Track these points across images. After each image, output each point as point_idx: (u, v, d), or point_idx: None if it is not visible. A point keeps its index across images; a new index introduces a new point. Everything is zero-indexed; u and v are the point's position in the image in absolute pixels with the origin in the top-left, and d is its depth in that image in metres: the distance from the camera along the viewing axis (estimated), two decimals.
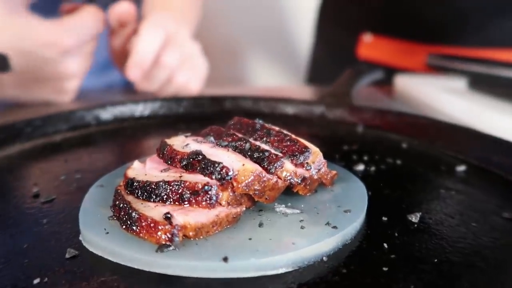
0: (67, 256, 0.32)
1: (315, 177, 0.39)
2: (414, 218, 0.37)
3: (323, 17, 1.29)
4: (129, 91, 1.01)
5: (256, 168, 0.35)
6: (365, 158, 0.54)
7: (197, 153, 0.35)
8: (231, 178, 0.33)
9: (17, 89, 0.81)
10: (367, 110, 0.67)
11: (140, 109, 0.70)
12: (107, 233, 0.33)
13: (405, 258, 0.32)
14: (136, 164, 0.40)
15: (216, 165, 0.34)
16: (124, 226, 0.33)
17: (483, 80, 0.88)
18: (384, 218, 0.38)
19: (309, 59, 1.37)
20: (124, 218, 0.33)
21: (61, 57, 0.78)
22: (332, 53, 1.25)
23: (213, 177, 0.34)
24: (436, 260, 0.32)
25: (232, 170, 0.34)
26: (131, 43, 0.85)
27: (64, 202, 0.41)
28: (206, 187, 0.33)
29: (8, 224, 0.37)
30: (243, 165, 0.34)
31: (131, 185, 0.36)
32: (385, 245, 0.33)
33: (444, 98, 0.84)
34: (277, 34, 1.66)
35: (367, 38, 1.14)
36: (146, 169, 0.39)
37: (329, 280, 0.29)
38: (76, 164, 0.52)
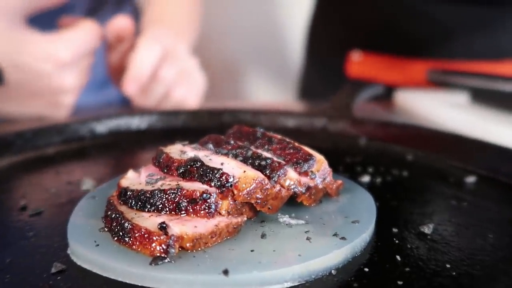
0: (53, 270, 0.29)
1: (320, 186, 0.37)
2: (427, 229, 0.35)
3: (312, 36, 1.30)
4: (126, 108, 1.00)
5: (258, 175, 0.32)
6: (370, 170, 0.52)
7: (195, 159, 0.33)
8: (231, 186, 0.31)
9: (12, 103, 0.79)
10: (370, 122, 0.65)
11: (136, 122, 0.68)
12: (97, 245, 0.30)
13: (420, 271, 0.29)
14: (130, 173, 0.38)
15: (215, 171, 0.32)
16: (116, 238, 0.30)
17: (485, 94, 0.87)
18: (395, 230, 0.35)
19: (300, 77, 1.37)
20: (116, 229, 0.31)
21: (57, 71, 0.76)
22: (321, 72, 1.26)
23: (212, 184, 0.31)
24: (454, 273, 0.29)
25: (233, 177, 0.32)
26: (128, 58, 0.84)
27: (53, 214, 0.39)
28: (204, 195, 0.31)
29: None
30: (244, 172, 0.32)
31: (124, 194, 0.34)
32: (398, 257, 0.31)
33: (447, 112, 0.83)
34: (273, 52, 1.67)
35: (356, 56, 1.14)
36: (141, 178, 0.36)
37: None
38: (68, 177, 0.50)
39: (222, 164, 0.33)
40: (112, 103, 1.12)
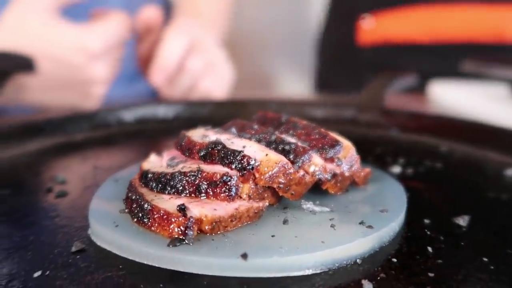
0: (73, 249, 0.29)
1: (347, 174, 0.36)
2: (462, 221, 0.33)
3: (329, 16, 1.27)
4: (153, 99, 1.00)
5: (281, 158, 0.31)
6: (401, 160, 0.50)
7: (216, 142, 0.32)
8: (252, 168, 0.30)
9: (44, 93, 0.81)
10: (401, 113, 0.62)
11: (163, 111, 0.68)
12: (117, 226, 0.30)
13: (455, 264, 0.27)
14: (153, 157, 0.38)
15: (236, 154, 0.31)
16: (135, 219, 0.30)
17: None
18: (426, 221, 0.33)
19: (315, 65, 1.33)
20: (136, 211, 0.30)
21: (88, 62, 0.78)
22: (335, 54, 1.22)
23: (233, 167, 0.30)
24: (492, 268, 0.27)
25: (255, 160, 0.30)
26: (156, 49, 0.84)
27: (77, 197, 0.39)
28: (225, 178, 0.30)
29: (17, 217, 0.35)
30: (267, 155, 0.31)
31: (145, 176, 0.33)
32: (430, 249, 0.29)
33: (484, 105, 0.79)
34: (300, 41, 1.63)
35: (367, 21, 1.09)
36: (163, 161, 0.36)
37: (363, 285, 0.25)
38: (94, 162, 0.50)
39: (244, 147, 0.32)
40: (141, 97, 1.14)
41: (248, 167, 0.30)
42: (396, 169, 0.46)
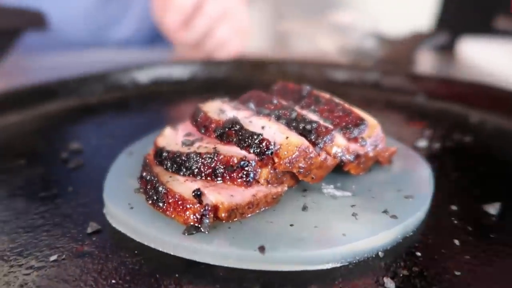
0: (88, 230, 0.29)
1: (371, 154, 0.34)
2: (493, 209, 0.31)
3: None
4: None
5: (302, 142, 0.29)
6: (427, 132, 0.47)
7: (234, 121, 0.30)
8: (272, 153, 0.28)
9: None
10: (429, 78, 0.59)
11: (178, 72, 0.66)
12: (132, 208, 0.29)
13: (485, 260, 0.26)
14: (168, 131, 0.36)
15: (255, 137, 0.29)
16: (150, 202, 0.29)
17: None
18: (454, 207, 0.31)
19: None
20: (151, 193, 0.29)
21: None
22: None
23: (251, 150, 0.29)
24: None
25: (274, 144, 0.29)
26: None
27: (92, 169, 0.39)
28: (242, 162, 0.28)
29: (33, 191, 0.35)
30: (287, 138, 0.29)
31: (160, 155, 0.32)
32: (456, 242, 0.27)
33: None
34: None
35: None
36: (178, 137, 0.34)
37: (384, 283, 0.24)
38: (109, 129, 0.49)
39: (263, 128, 0.30)
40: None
41: (267, 152, 0.28)
42: (422, 143, 0.44)
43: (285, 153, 0.29)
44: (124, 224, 0.29)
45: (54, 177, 0.37)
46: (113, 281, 0.24)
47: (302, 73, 0.66)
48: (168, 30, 0.79)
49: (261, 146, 0.29)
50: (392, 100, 0.59)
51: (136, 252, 0.27)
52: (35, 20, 0.70)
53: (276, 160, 0.29)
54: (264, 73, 0.68)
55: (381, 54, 0.76)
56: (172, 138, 0.35)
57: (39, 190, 0.35)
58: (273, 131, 0.30)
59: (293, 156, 0.29)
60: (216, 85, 0.65)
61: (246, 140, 0.29)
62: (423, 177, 0.34)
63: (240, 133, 0.30)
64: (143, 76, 0.64)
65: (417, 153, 0.39)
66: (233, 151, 0.30)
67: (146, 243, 0.27)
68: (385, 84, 0.62)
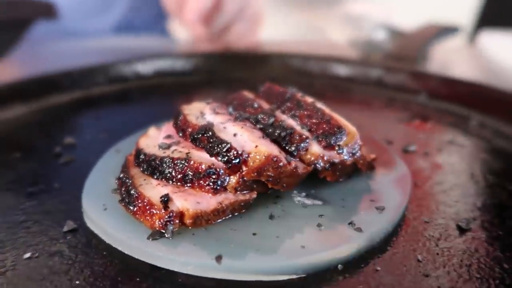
0: (65, 229, 0.30)
1: (348, 162, 0.33)
2: (466, 224, 0.30)
3: None
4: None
5: (271, 151, 0.29)
6: (421, 136, 0.46)
7: (206, 128, 0.31)
8: (239, 162, 0.29)
9: None
10: (433, 77, 0.57)
11: (181, 64, 0.67)
12: (105, 209, 0.30)
13: (445, 278, 0.26)
14: (152, 131, 0.37)
15: (224, 145, 0.29)
16: (122, 204, 0.30)
17: None
18: (426, 219, 0.31)
19: None
20: (124, 195, 0.30)
21: None
22: None
23: (219, 158, 0.29)
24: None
25: (243, 152, 0.29)
26: None
27: (82, 165, 0.40)
28: (209, 170, 0.29)
29: (23, 185, 0.36)
30: (256, 146, 0.29)
31: (138, 156, 0.33)
32: (419, 257, 0.27)
33: None
34: None
35: None
36: (159, 139, 0.35)
37: None
38: (106, 122, 0.51)
39: (235, 135, 0.31)
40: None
41: (234, 161, 0.29)
42: (412, 148, 0.43)
43: (252, 163, 0.29)
44: (96, 225, 0.30)
45: (44, 172, 0.39)
46: (77, 282, 0.25)
47: (305, 68, 0.66)
48: (186, 24, 0.79)
49: (228, 154, 0.29)
50: (394, 98, 0.58)
51: (104, 253, 0.28)
52: (45, 10, 0.71)
53: (244, 168, 0.29)
54: (266, 66, 0.67)
55: (391, 48, 0.74)
56: (154, 139, 0.35)
57: (28, 185, 0.36)
58: (244, 139, 0.30)
59: (261, 165, 0.29)
60: (218, 79, 0.66)
61: (216, 147, 0.29)
62: (401, 187, 0.33)
63: (211, 140, 0.30)
64: (146, 68, 0.64)
65: (404, 159, 0.39)
66: (204, 158, 0.30)
67: (114, 245, 0.28)
68: (388, 81, 0.61)
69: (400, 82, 0.59)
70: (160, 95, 0.61)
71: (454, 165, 0.40)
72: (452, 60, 0.84)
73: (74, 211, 0.32)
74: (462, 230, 0.30)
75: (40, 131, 0.48)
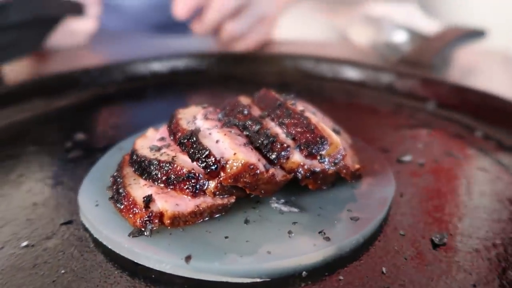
0: (61, 221, 0.33)
1: (330, 171, 0.34)
2: (439, 239, 0.31)
3: None
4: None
5: (248, 159, 0.31)
6: (420, 145, 0.46)
7: (192, 134, 0.33)
8: (217, 168, 0.30)
9: None
10: (443, 84, 0.56)
11: (195, 63, 0.69)
12: (97, 205, 0.33)
13: None
14: (150, 132, 0.40)
15: (203, 151, 0.31)
16: (112, 201, 0.33)
17: None
18: (402, 233, 0.32)
19: None
20: (114, 192, 0.33)
21: None
22: None
23: (199, 164, 0.31)
24: None
25: (221, 159, 0.31)
26: None
27: (89, 161, 0.43)
28: (189, 174, 0.30)
29: (31, 179, 0.40)
30: (235, 154, 0.31)
31: (132, 156, 0.35)
32: (384, 269, 0.28)
33: None
34: None
35: None
36: (155, 140, 0.37)
37: None
38: (117, 119, 0.54)
39: (217, 141, 0.32)
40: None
41: (212, 167, 0.30)
42: (407, 158, 0.43)
43: (230, 169, 0.30)
44: (87, 220, 0.32)
45: (52, 166, 0.42)
46: (63, 271, 0.28)
47: (316, 70, 0.66)
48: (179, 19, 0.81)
49: (207, 160, 0.31)
50: (402, 104, 0.58)
51: (91, 246, 0.30)
52: (75, 9, 0.76)
53: (222, 174, 0.31)
54: (279, 67, 0.68)
55: (408, 51, 0.73)
56: (149, 140, 0.38)
57: (36, 179, 0.40)
58: (225, 146, 0.32)
59: (239, 172, 0.30)
60: (231, 78, 0.67)
61: (196, 153, 0.31)
62: (381, 199, 0.34)
63: (194, 146, 0.32)
64: (161, 67, 0.67)
65: (396, 169, 0.39)
66: (188, 162, 0.32)
67: (100, 240, 0.31)
68: (398, 87, 0.60)
69: (410, 89, 0.59)
70: (174, 93, 0.63)
71: (446, 179, 0.40)
72: (477, 66, 0.82)
73: (72, 205, 0.35)
74: (435, 245, 0.30)
75: (56, 126, 0.51)
